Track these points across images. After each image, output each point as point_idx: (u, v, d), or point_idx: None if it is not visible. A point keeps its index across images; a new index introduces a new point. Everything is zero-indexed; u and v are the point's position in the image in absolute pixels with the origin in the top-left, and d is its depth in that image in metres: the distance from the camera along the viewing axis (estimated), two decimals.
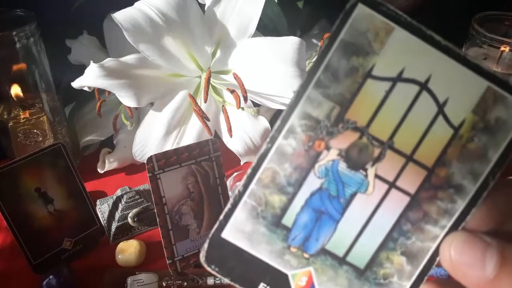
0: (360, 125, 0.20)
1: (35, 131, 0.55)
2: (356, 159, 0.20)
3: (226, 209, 0.20)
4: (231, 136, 0.53)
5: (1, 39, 0.50)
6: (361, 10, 0.19)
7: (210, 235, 0.20)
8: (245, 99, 0.49)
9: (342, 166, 0.20)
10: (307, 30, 0.67)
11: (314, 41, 0.64)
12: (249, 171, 0.20)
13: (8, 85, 0.54)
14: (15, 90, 0.54)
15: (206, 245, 0.20)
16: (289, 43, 0.48)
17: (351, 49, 0.19)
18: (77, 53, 0.61)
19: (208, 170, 0.45)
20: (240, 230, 0.20)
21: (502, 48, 0.56)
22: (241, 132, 0.54)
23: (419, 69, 0.19)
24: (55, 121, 0.57)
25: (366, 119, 0.20)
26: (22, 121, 0.55)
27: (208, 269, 0.20)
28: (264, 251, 0.21)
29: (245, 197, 0.20)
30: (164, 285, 0.44)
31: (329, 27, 0.67)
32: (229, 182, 0.55)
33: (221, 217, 0.20)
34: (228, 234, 0.20)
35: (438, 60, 0.19)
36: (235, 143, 0.55)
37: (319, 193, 0.20)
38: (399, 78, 0.19)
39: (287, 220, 0.20)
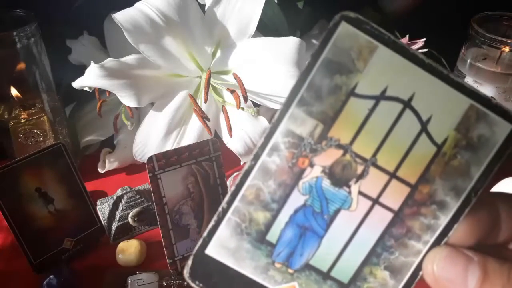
0: (344, 142, 0.20)
1: (35, 131, 0.55)
2: (339, 176, 0.20)
3: (209, 226, 0.20)
4: (231, 136, 0.53)
5: (1, 39, 0.50)
6: (345, 28, 0.19)
7: (194, 252, 0.21)
8: (245, 99, 0.49)
9: (326, 183, 0.20)
10: (307, 30, 0.68)
11: (314, 41, 0.64)
12: (232, 188, 0.20)
13: (8, 85, 0.54)
14: (14, 91, 0.54)
15: (190, 262, 0.21)
16: (289, 44, 0.48)
17: (334, 68, 0.19)
18: (77, 53, 0.61)
19: (208, 170, 0.45)
20: (224, 246, 0.21)
21: (503, 49, 0.56)
22: (241, 132, 0.54)
23: (403, 87, 0.19)
24: (56, 121, 0.58)
25: (349, 136, 0.20)
26: (22, 121, 0.55)
27: (193, 285, 0.21)
28: (248, 267, 0.21)
29: (229, 214, 0.20)
30: (165, 284, 0.44)
31: None
32: (229, 182, 0.56)
33: (205, 234, 0.20)
34: (212, 250, 0.21)
35: (421, 78, 0.19)
36: (235, 143, 0.55)
37: (303, 210, 0.20)
38: (382, 96, 0.19)
39: (272, 236, 0.21)
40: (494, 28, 0.58)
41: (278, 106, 0.53)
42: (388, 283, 0.21)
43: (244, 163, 0.58)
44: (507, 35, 0.58)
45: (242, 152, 0.56)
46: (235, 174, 0.57)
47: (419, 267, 0.20)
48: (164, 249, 0.44)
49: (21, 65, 0.53)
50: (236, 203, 0.20)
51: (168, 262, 0.45)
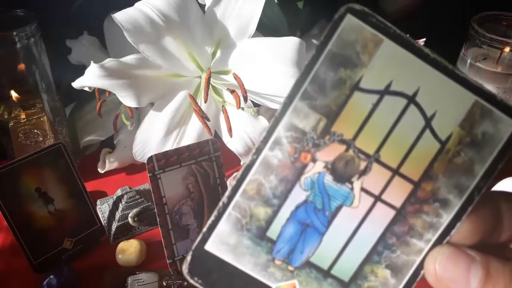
0: (347, 137, 0.19)
1: (35, 131, 0.55)
2: (342, 172, 0.20)
3: (209, 221, 0.20)
4: (231, 136, 0.53)
5: (1, 39, 0.50)
6: (350, 20, 0.18)
7: (193, 248, 0.20)
8: (245, 99, 0.49)
9: (328, 178, 0.20)
10: (307, 30, 0.67)
11: (314, 41, 0.64)
12: (234, 182, 0.20)
13: (8, 85, 0.54)
14: (14, 93, 0.54)
15: (189, 258, 0.20)
16: (289, 44, 0.48)
17: (339, 61, 0.19)
18: (77, 53, 0.61)
19: (208, 170, 0.45)
20: (224, 242, 0.20)
21: (503, 49, 0.56)
22: (241, 132, 0.54)
23: (407, 82, 0.19)
24: (56, 121, 0.57)
25: (352, 131, 0.19)
26: (22, 121, 0.55)
27: (191, 281, 0.20)
28: (248, 263, 0.20)
29: (229, 209, 0.20)
30: (165, 284, 0.44)
31: None
32: (229, 182, 0.56)
33: (205, 229, 0.20)
34: (211, 246, 0.20)
35: (426, 73, 0.19)
36: (235, 143, 0.55)
37: (304, 206, 0.20)
38: (386, 91, 0.19)
39: (272, 232, 0.20)
40: (494, 28, 0.58)
41: (278, 106, 0.52)
42: (389, 282, 0.20)
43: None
44: (507, 35, 0.58)
45: (242, 152, 0.55)
46: (235, 174, 0.57)
47: (420, 266, 0.20)
48: (164, 249, 0.44)
49: (21, 65, 0.53)
50: (236, 198, 0.20)
51: (168, 262, 0.45)
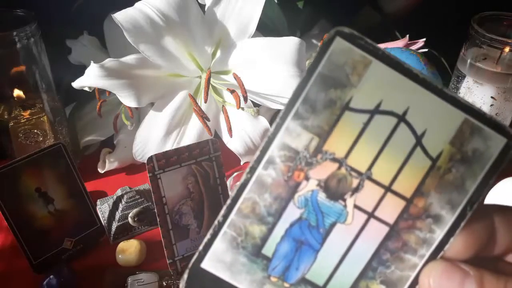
0: (339, 156, 0.20)
1: (35, 131, 0.55)
2: (335, 190, 0.20)
3: (205, 240, 0.21)
4: (231, 136, 0.53)
5: (1, 39, 0.50)
6: (339, 43, 0.19)
7: (189, 266, 0.21)
8: (245, 99, 0.49)
9: (322, 196, 0.20)
10: (307, 30, 0.68)
11: (314, 41, 0.64)
12: (228, 201, 0.20)
13: (8, 85, 0.54)
14: (17, 92, 0.54)
15: (185, 276, 0.21)
16: (289, 43, 0.48)
17: (329, 82, 0.19)
18: (77, 53, 0.61)
19: (208, 170, 0.45)
20: (220, 260, 0.21)
21: (503, 49, 0.56)
22: (241, 132, 0.54)
23: (397, 102, 0.19)
24: (56, 121, 0.57)
25: (344, 150, 0.20)
26: (22, 121, 0.55)
27: None
28: (244, 281, 0.21)
29: (224, 228, 0.20)
30: (165, 284, 0.44)
31: (329, 27, 0.68)
32: (229, 182, 0.56)
33: (201, 247, 0.21)
34: (207, 264, 0.21)
35: (415, 92, 0.19)
36: (235, 143, 0.55)
37: (299, 223, 0.20)
38: (377, 111, 0.19)
39: (267, 250, 0.21)
40: (494, 28, 0.58)
41: (278, 106, 0.53)
42: None
43: (245, 163, 0.58)
44: (507, 35, 0.58)
45: (242, 152, 0.56)
46: (235, 174, 0.57)
47: (415, 281, 0.21)
48: (164, 249, 0.44)
49: (21, 65, 0.53)
50: (232, 216, 0.20)
51: (168, 262, 0.45)
